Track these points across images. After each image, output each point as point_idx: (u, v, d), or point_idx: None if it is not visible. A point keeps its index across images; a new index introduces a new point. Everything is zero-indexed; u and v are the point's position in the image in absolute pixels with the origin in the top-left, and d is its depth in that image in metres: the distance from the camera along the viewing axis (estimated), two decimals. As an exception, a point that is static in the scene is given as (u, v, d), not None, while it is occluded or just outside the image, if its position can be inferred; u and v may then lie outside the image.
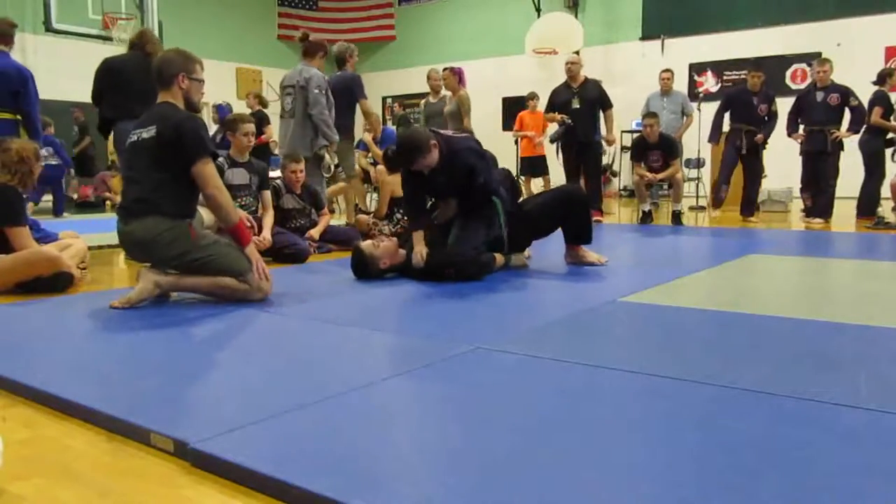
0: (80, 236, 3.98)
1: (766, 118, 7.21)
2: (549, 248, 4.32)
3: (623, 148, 11.32)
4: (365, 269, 3.55)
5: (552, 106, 7.21)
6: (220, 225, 3.31)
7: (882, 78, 6.99)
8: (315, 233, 4.98)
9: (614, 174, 11.48)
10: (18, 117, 4.99)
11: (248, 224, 4.30)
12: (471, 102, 6.95)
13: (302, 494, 1.23)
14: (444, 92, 7.13)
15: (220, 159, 4.37)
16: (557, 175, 8.78)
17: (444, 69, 7.04)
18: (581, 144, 7.08)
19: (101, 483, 1.35)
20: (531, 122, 9.51)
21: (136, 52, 4.78)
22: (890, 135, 6.92)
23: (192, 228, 2.94)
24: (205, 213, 3.23)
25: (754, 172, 7.34)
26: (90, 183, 10.64)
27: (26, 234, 3.39)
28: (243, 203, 4.48)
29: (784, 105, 7.42)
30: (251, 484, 1.31)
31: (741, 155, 7.28)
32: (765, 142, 7.25)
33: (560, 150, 7.35)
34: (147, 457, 1.47)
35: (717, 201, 7.43)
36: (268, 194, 4.64)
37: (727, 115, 7.43)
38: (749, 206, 7.30)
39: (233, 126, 4.55)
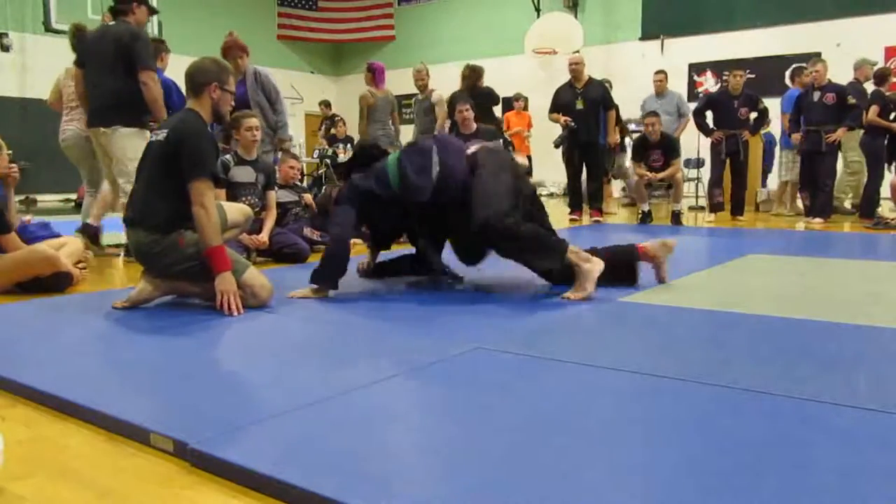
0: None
1: (748, 120, 7.22)
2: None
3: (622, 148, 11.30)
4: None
5: (556, 106, 7.21)
6: (237, 229, 3.33)
7: (880, 78, 7.00)
8: (309, 198, 5.15)
9: (616, 176, 11.48)
10: None
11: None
12: (373, 100, 6.72)
13: (302, 494, 1.23)
14: (430, 88, 7.14)
15: (227, 157, 4.35)
16: (559, 174, 8.78)
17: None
18: (584, 145, 7.09)
19: (101, 483, 1.35)
20: (518, 123, 9.61)
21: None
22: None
23: (181, 238, 2.86)
24: (228, 213, 3.18)
25: (739, 174, 7.38)
26: None
27: (14, 238, 3.34)
28: (248, 203, 4.43)
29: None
30: (251, 484, 1.31)
31: (729, 157, 7.30)
32: (754, 133, 7.28)
33: (564, 153, 7.38)
34: (147, 457, 1.47)
35: (713, 206, 7.42)
36: (272, 195, 4.58)
37: (710, 118, 7.42)
38: (738, 206, 7.33)
39: (235, 124, 4.48)
